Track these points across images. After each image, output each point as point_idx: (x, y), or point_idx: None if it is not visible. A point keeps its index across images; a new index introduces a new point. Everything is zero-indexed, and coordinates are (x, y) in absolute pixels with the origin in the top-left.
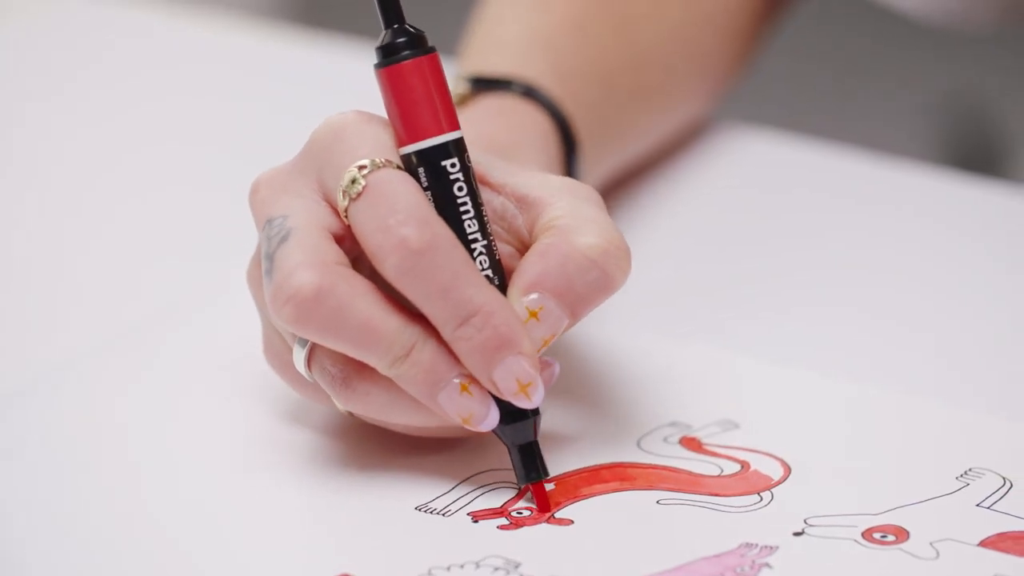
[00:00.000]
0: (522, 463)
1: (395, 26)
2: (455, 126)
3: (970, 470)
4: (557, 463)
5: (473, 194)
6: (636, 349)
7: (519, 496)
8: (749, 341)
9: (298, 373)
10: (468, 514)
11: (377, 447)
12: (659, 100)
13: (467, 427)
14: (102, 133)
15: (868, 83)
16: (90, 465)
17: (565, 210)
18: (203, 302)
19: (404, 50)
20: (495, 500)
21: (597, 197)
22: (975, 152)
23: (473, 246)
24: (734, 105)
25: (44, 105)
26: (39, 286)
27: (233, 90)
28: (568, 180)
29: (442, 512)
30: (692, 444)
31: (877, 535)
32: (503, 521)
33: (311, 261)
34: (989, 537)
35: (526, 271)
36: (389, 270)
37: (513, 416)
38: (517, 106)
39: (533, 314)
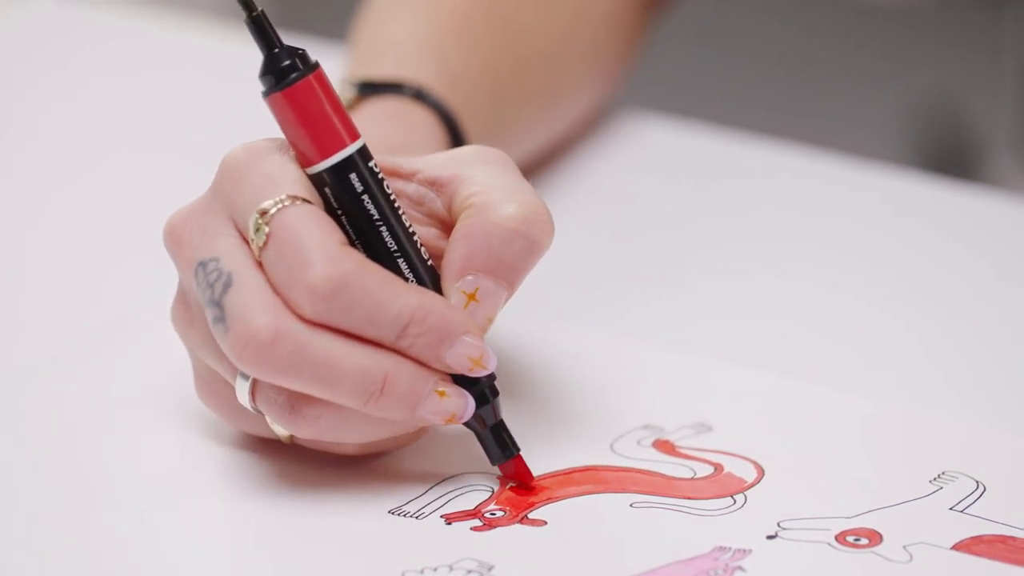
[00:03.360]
0: (495, 442)
1: (275, 49)
2: (356, 135)
3: (943, 473)
4: (530, 466)
5: (386, 195)
6: (609, 352)
7: (492, 498)
8: (713, 342)
9: (235, 409)
10: (441, 516)
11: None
12: (547, 98)
13: (450, 424)
14: (68, 137)
15: (841, 87)
16: (52, 476)
17: (479, 183)
18: (166, 309)
19: (292, 72)
20: (468, 502)
21: (508, 160)
22: (948, 155)
23: (415, 237)
24: (706, 108)
25: (7, 109)
26: (1, 293)
27: (203, 93)
28: (477, 148)
29: (415, 515)
30: (665, 447)
31: (850, 538)
32: (476, 523)
33: (263, 304)
34: (963, 540)
35: (454, 256)
36: (308, 316)
37: (477, 403)
38: (407, 109)
39: (471, 296)
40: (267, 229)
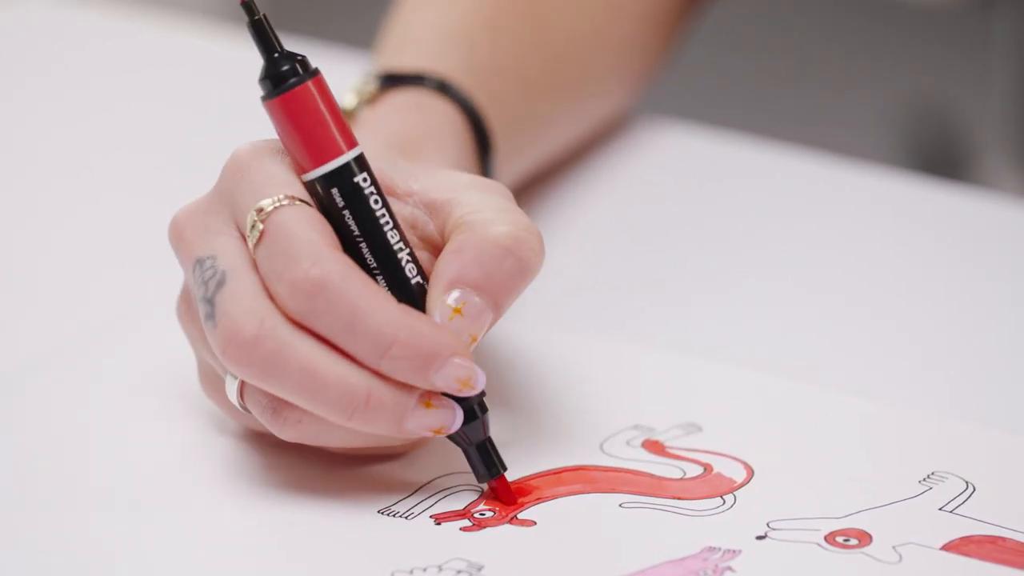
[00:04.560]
0: (481, 460)
1: (275, 54)
2: (353, 143)
3: (933, 474)
4: (519, 466)
5: (386, 204)
6: (599, 352)
7: (482, 498)
8: (703, 342)
9: (233, 404)
10: (431, 516)
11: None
12: (576, 94)
13: (438, 436)
14: (61, 137)
15: (832, 88)
16: (41, 474)
17: (474, 204)
18: (153, 310)
19: (291, 77)
20: (458, 503)
21: (504, 190)
22: (938, 156)
23: (399, 255)
24: (695, 107)
25: (2, 109)
26: None
27: (194, 95)
28: (474, 177)
29: (405, 515)
30: (655, 447)
31: (840, 539)
32: (466, 523)
33: (251, 304)
34: (952, 541)
35: (444, 270)
36: (292, 314)
37: (465, 418)
38: (429, 101)
39: (457, 311)
40: (261, 227)
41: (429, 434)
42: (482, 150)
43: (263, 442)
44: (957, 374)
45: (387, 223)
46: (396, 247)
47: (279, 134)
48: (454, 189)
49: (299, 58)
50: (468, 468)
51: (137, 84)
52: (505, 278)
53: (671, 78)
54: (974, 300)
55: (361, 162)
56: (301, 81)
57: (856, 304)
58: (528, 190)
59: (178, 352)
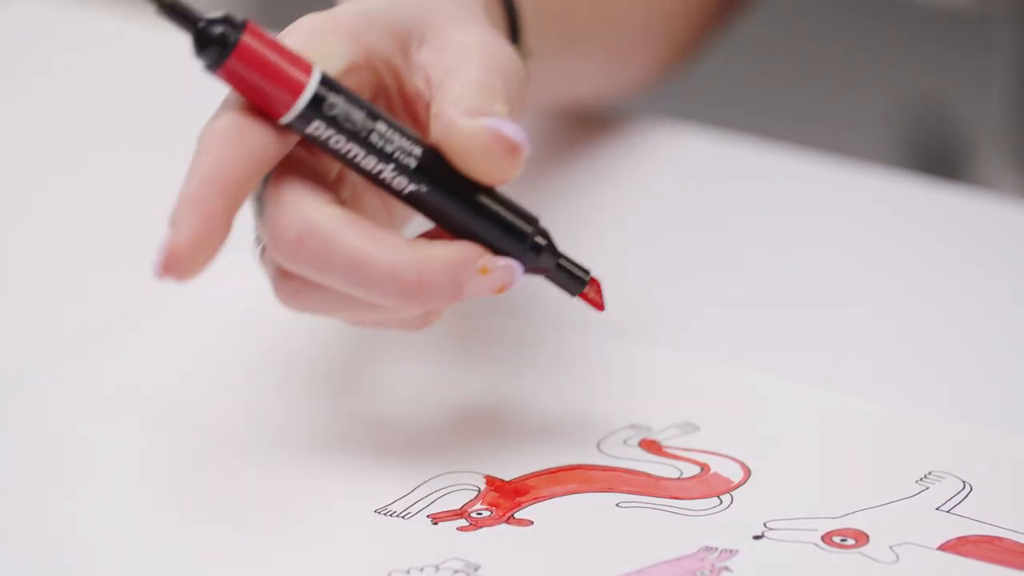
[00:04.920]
0: (565, 278)
1: (198, 24)
2: (308, 69)
3: (930, 473)
4: (516, 465)
5: (368, 111)
6: (596, 351)
7: (479, 498)
8: (700, 342)
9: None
10: (428, 516)
11: (336, 449)
12: (611, 43)
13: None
14: (57, 137)
15: (830, 88)
16: (37, 476)
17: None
18: (153, 310)
19: (229, 38)
20: (455, 502)
21: (513, 62)
22: (936, 156)
23: (380, 168)
24: (694, 108)
25: None
26: None
27: (193, 94)
28: (485, 45)
29: (402, 515)
30: (652, 447)
31: (837, 539)
32: (463, 522)
33: (294, 199)
34: (949, 541)
35: (465, 75)
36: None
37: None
38: None
39: (483, 271)
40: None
41: (490, 295)
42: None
43: (249, 445)
44: (955, 374)
45: (375, 128)
46: (378, 162)
47: (241, 92)
48: (456, 65)
49: (223, 16)
50: (465, 467)
51: (136, 84)
52: (518, 92)
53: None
54: (972, 300)
55: (328, 84)
56: (237, 38)
57: (853, 304)
58: (527, 190)
59: (178, 352)
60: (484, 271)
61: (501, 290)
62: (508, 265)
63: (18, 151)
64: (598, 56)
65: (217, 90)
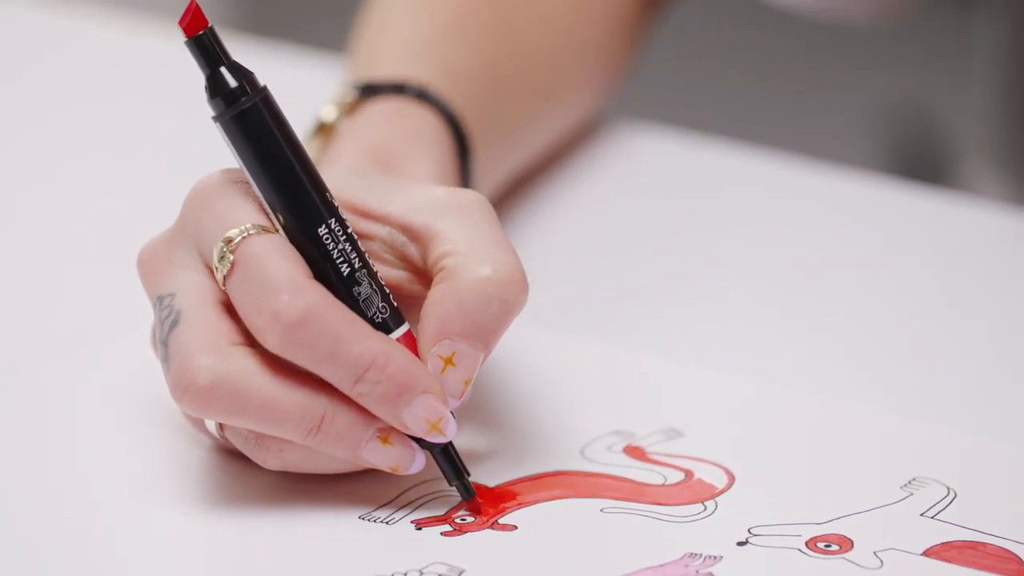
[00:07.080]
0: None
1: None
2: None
3: (914, 479)
4: (499, 471)
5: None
6: (580, 357)
7: (463, 504)
8: (684, 347)
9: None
10: (412, 522)
11: None
12: (548, 95)
13: (397, 474)
14: (38, 138)
15: (813, 92)
16: (23, 477)
17: (452, 240)
18: (141, 311)
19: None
20: (439, 508)
21: (483, 205)
22: (919, 160)
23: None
24: (676, 112)
25: None
26: None
27: (177, 96)
28: (453, 193)
29: (385, 520)
30: (636, 453)
31: (821, 544)
32: (447, 528)
33: (203, 347)
34: (933, 547)
35: (429, 322)
36: (271, 347)
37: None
38: (409, 109)
39: (448, 360)
40: (232, 257)
41: (385, 469)
42: (462, 156)
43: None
44: (939, 380)
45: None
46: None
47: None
48: (432, 212)
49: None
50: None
51: (119, 85)
52: (491, 321)
53: (651, 82)
54: (955, 305)
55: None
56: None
57: (836, 309)
58: (507, 196)
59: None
60: (385, 440)
61: (395, 469)
62: (408, 444)
63: (1, 153)
64: (541, 108)
65: (196, 98)
